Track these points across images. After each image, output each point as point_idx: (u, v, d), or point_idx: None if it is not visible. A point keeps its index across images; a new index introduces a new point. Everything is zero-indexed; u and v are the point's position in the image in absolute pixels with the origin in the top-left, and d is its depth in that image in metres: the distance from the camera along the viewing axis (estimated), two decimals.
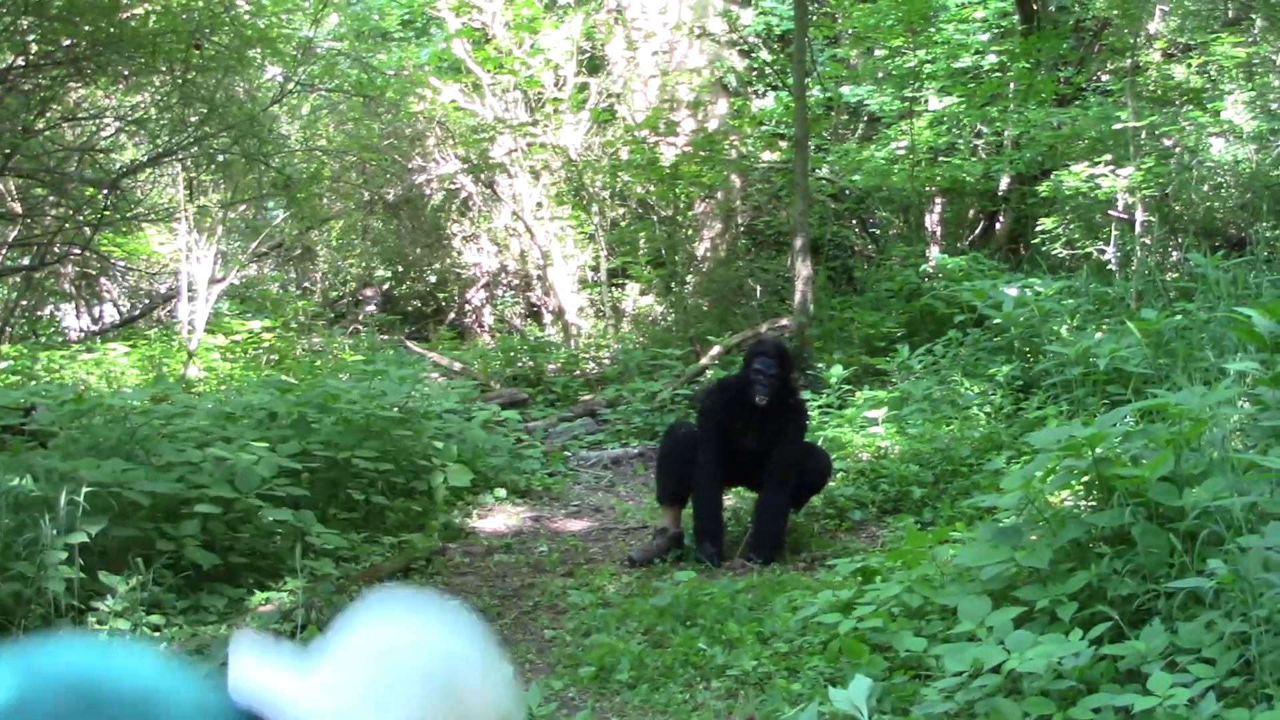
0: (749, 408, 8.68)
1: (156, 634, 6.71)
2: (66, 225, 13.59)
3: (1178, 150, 16.42)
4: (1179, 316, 10.35)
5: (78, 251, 14.71)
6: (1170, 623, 5.38)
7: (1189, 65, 17.34)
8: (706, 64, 18.57)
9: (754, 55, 19.28)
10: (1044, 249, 16.73)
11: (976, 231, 17.87)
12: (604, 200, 18.80)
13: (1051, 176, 15.88)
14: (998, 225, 17.62)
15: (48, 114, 12.29)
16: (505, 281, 20.63)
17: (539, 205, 18.50)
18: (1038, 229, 17.18)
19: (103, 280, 18.26)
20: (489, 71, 17.84)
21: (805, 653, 6.58)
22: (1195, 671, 4.99)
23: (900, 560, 7.15)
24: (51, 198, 13.53)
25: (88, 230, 13.95)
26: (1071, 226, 16.91)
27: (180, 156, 13.92)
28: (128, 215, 15.08)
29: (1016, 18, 16.60)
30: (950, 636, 5.96)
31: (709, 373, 14.71)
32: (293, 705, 1.84)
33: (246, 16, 12.79)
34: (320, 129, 18.55)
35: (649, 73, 18.57)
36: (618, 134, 18.45)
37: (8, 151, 11.06)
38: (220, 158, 14.12)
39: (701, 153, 17.80)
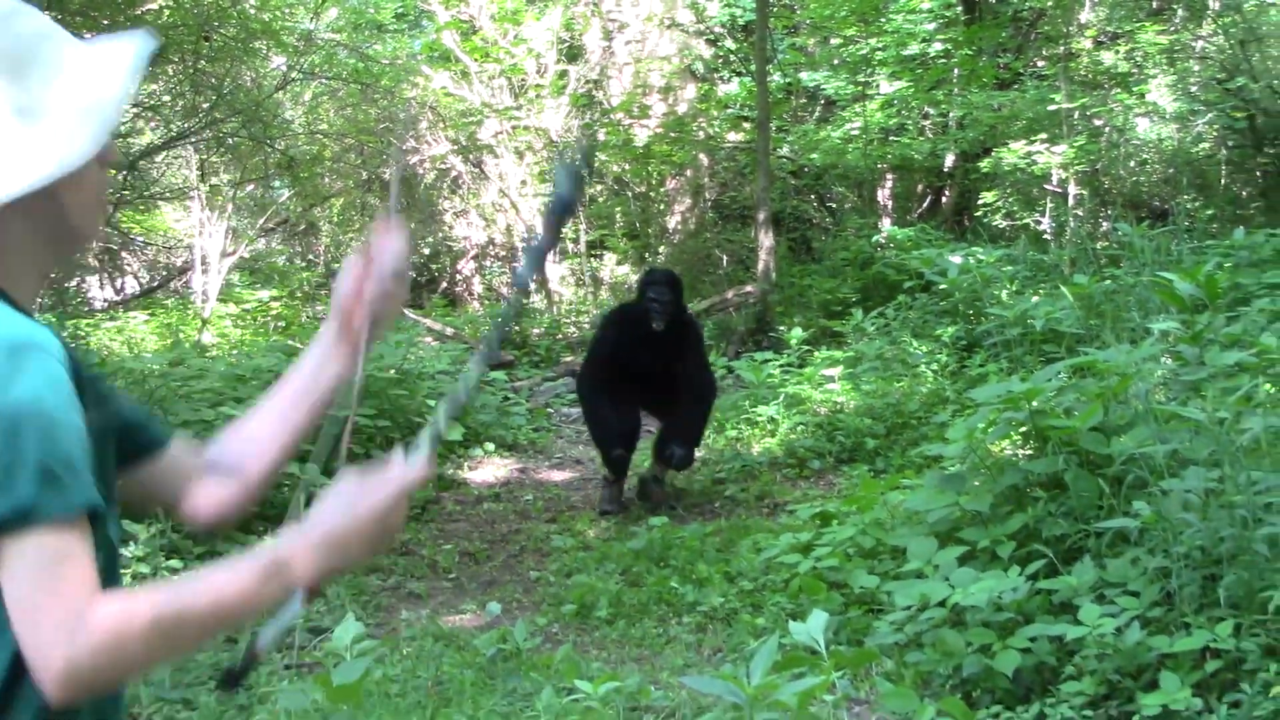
0: (646, 332, 8.66)
1: (175, 577, 6.70)
2: None
3: (1107, 129, 16.43)
4: (1108, 281, 10.37)
5: (101, 228, 14.68)
6: (1099, 560, 5.42)
7: (1117, 52, 17.35)
8: (676, 52, 18.52)
9: (720, 44, 19.22)
10: (985, 220, 16.72)
11: (924, 205, 17.87)
12: (586, 178, 18.71)
13: (992, 154, 15.87)
14: (943, 199, 17.61)
15: None
16: (493, 253, 20.55)
17: (523, 183, 18.44)
18: (980, 202, 17.20)
19: (124, 254, 18.19)
20: (476, 60, 17.78)
21: (768, 590, 6.62)
22: (1122, 604, 5.02)
23: (855, 505, 7.18)
24: None
25: (109, 208, 13.89)
26: (1010, 200, 16.92)
27: (192, 140, 13.86)
28: (145, 194, 15.04)
29: (960, 9, 16.58)
30: (900, 574, 6.00)
31: None
32: None
33: (252, 10, 12.74)
34: (321, 114, 18.46)
35: (623, 60, 18.52)
36: (595, 117, 18.43)
37: None
38: (229, 141, 14.06)
39: (672, 134, 17.81)
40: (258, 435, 2.18)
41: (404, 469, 1.89)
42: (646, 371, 8.81)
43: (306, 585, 1.80)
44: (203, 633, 1.74)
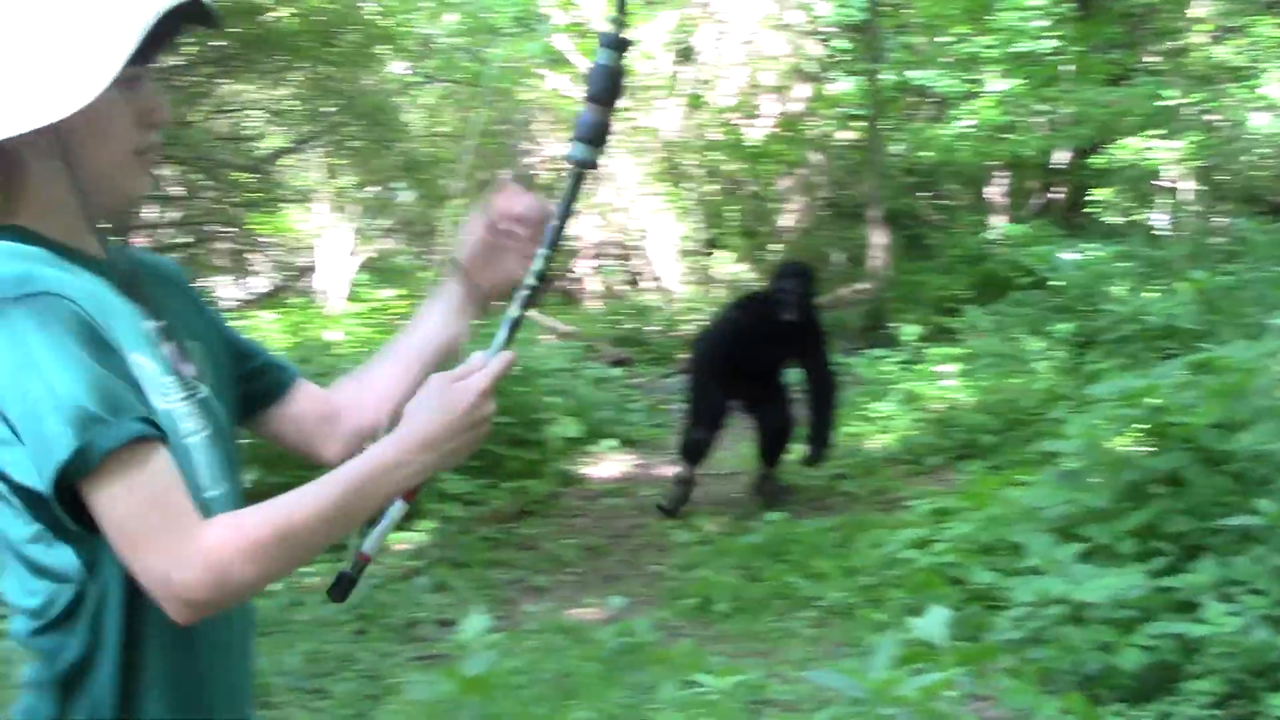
0: (773, 323, 8.51)
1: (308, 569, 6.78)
2: (220, 206, 13.74)
3: (1221, 125, 16.16)
4: (1225, 277, 10.24)
5: (230, 230, 14.89)
6: (1222, 558, 5.34)
7: (1231, 46, 17.08)
8: (788, 52, 18.48)
9: (830, 43, 19.13)
10: (1098, 217, 16.55)
11: (1036, 202, 17.70)
12: (697, 178, 18.79)
13: (1104, 150, 15.70)
14: (1056, 196, 17.43)
15: (202, 107, 12.42)
16: (609, 252, 20.63)
17: (638, 183, 18.50)
18: (1092, 198, 17.02)
19: (252, 255, 18.45)
20: (590, 62, 17.85)
21: (887, 585, 6.59)
22: (1246, 602, 4.96)
23: (972, 501, 7.13)
24: (206, 182, 13.68)
25: (238, 210, 14.11)
26: (1124, 196, 16.71)
27: (318, 144, 14.03)
28: (273, 196, 15.23)
29: (1072, 4, 16.39)
30: (1019, 570, 5.94)
31: None
32: None
33: (373, 17, 12.86)
34: (440, 116, 18.62)
35: (735, 61, 18.50)
36: (707, 117, 18.43)
37: (168, 141, 11.22)
38: (353, 144, 14.21)
39: (784, 133, 17.76)
40: (378, 384, 2.21)
41: (487, 363, 1.89)
42: (759, 365, 8.75)
43: (407, 489, 1.83)
44: (312, 545, 1.77)
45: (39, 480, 1.64)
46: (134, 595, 1.73)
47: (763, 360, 8.71)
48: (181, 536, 1.67)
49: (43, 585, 1.75)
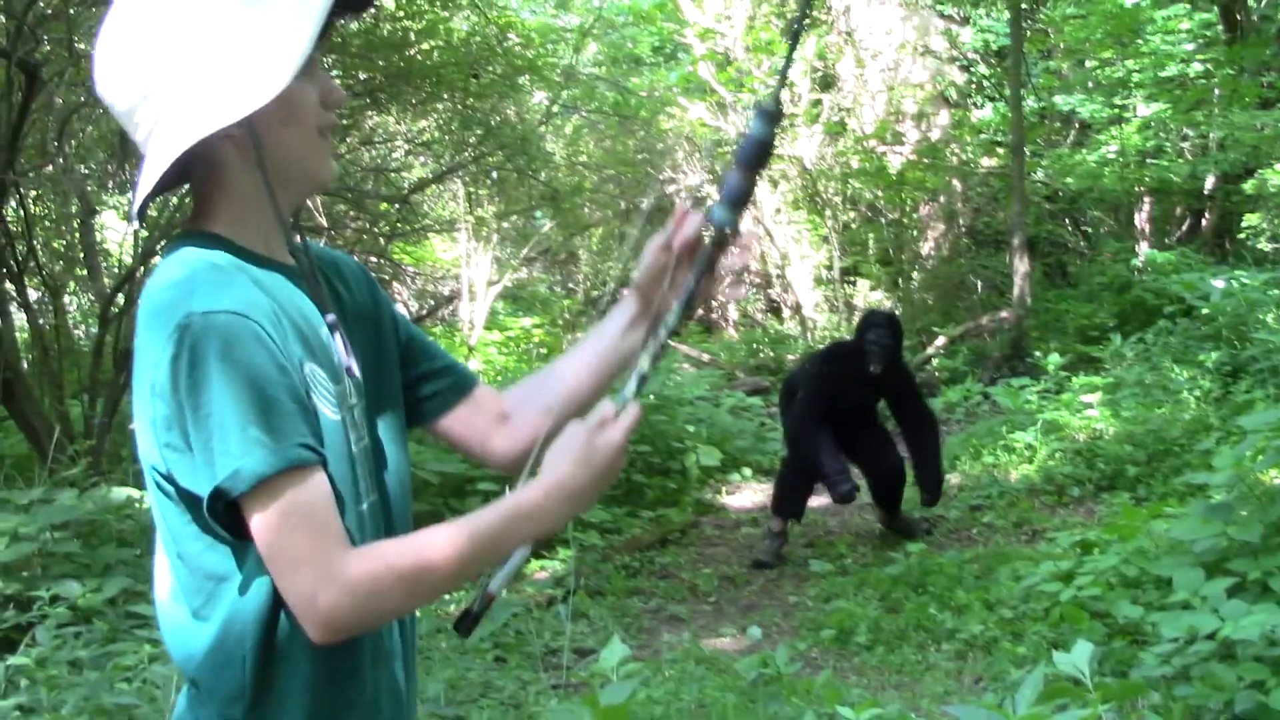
0: (860, 374, 8.48)
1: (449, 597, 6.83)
2: (364, 236, 13.95)
3: None
4: None
5: (374, 259, 15.12)
6: None
7: None
8: (929, 78, 18.44)
9: (973, 70, 19.05)
10: (1249, 243, 16.25)
11: (1184, 228, 17.46)
12: (836, 205, 18.80)
13: (1256, 175, 15.43)
14: (1204, 222, 17.17)
15: (348, 139, 12.62)
16: (748, 281, 20.68)
17: (777, 210, 18.54)
18: (1243, 225, 16.72)
19: (395, 284, 18.74)
20: (731, 91, 17.92)
21: (1029, 619, 6.53)
22: None
23: (1117, 534, 7.02)
24: (351, 212, 13.89)
25: (382, 240, 14.31)
26: (1276, 222, 16.40)
27: (460, 174, 14.20)
28: (416, 226, 15.45)
29: (1221, 28, 16.15)
30: (1166, 605, 5.84)
31: (934, 361, 14.59)
32: None
33: (517, 48, 12.99)
34: (581, 146, 18.78)
35: (876, 88, 18.50)
36: (848, 144, 18.43)
37: None
38: (495, 174, 14.38)
39: (925, 160, 17.70)
40: (555, 386, 2.25)
41: (620, 415, 1.93)
42: (852, 413, 8.69)
43: (541, 536, 1.91)
44: (446, 582, 1.83)
45: (201, 490, 1.71)
46: (278, 605, 1.80)
47: (854, 409, 8.67)
48: (329, 562, 1.74)
49: (203, 585, 1.81)
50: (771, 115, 2.06)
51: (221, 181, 1.88)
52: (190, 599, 1.82)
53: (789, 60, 2.30)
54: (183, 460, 1.73)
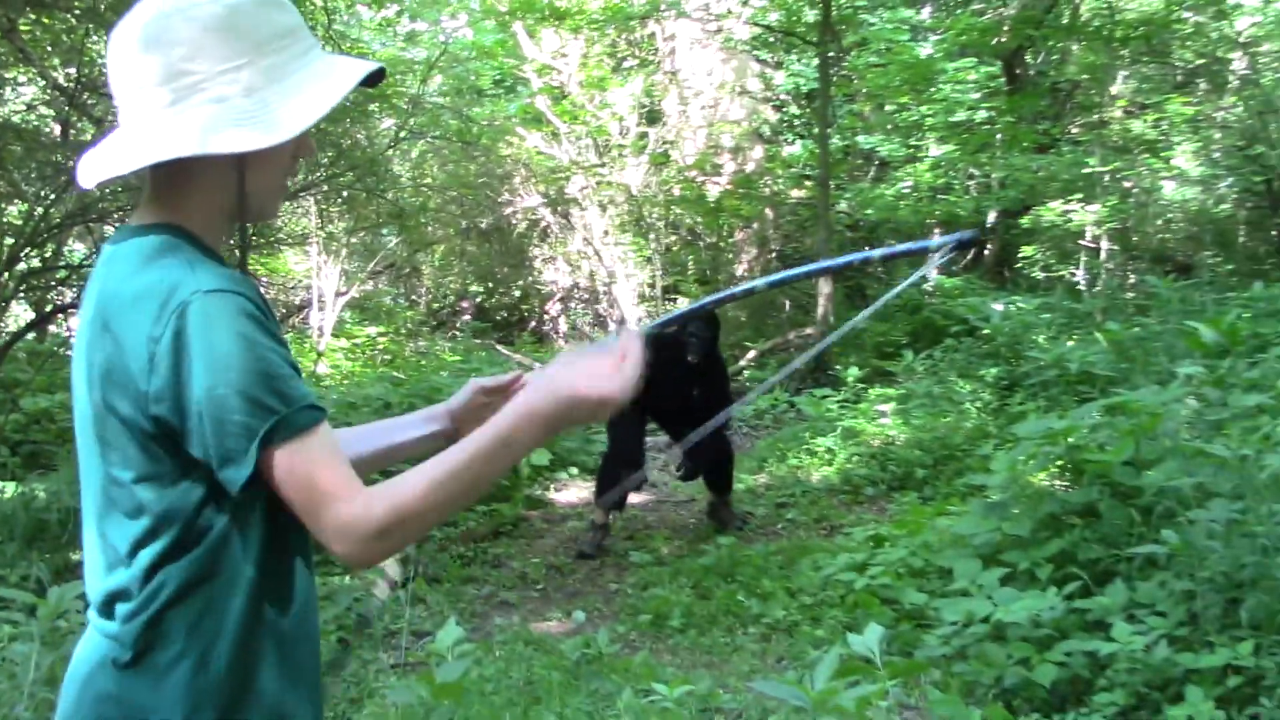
0: (680, 364, 8.45)
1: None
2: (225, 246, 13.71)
3: (1136, 191, 16.33)
4: (1137, 329, 10.33)
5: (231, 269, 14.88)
6: (1130, 582, 5.38)
7: (1145, 120, 17.26)
8: (745, 116, 18.59)
9: (785, 109, 19.28)
10: (1025, 272, 16.67)
11: (968, 257, 17.82)
12: (659, 229, 18.85)
13: (1031, 212, 15.83)
14: (986, 252, 17.55)
15: None
16: (578, 296, 20.68)
17: (606, 233, 18.55)
18: (1019, 255, 17.14)
19: None
20: (565, 122, 17.92)
21: (826, 605, 6.61)
22: (1150, 623, 5.00)
23: (905, 529, 7.16)
24: None
25: (238, 252, 14.06)
26: (1048, 254, 16.84)
27: (313, 192, 14.02)
28: (271, 240, 15.20)
29: (1003, 80, 16.55)
30: (947, 592, 5.98)
31: (745, 372, 14.72)
32: None
33: None
34: (426, 169, 18.65)
35: (697, 123, 18.60)
36: (671, 174, 18.51)
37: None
38: (345, 193, 14.21)
39: (741, 190, 17.85)
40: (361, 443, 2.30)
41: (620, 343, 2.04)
42: (676, 402, 8.71)
43: (547, 436, 1.95)
44: (474, 483, 1.86)
45: (207, 453, 1.74)
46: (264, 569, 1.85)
47: (676, 397, 8.67)
48: (352, 495, 1.77)
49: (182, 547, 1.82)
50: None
51: (199, 187, 1.90)
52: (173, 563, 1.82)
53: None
54: (183, 423, 1.74)
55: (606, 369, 1.97)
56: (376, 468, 2.28)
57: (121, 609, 1.83)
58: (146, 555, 1.81)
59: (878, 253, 2.51)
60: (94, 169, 1.85)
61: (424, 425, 2.32)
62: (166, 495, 1.80)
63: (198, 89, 1.82)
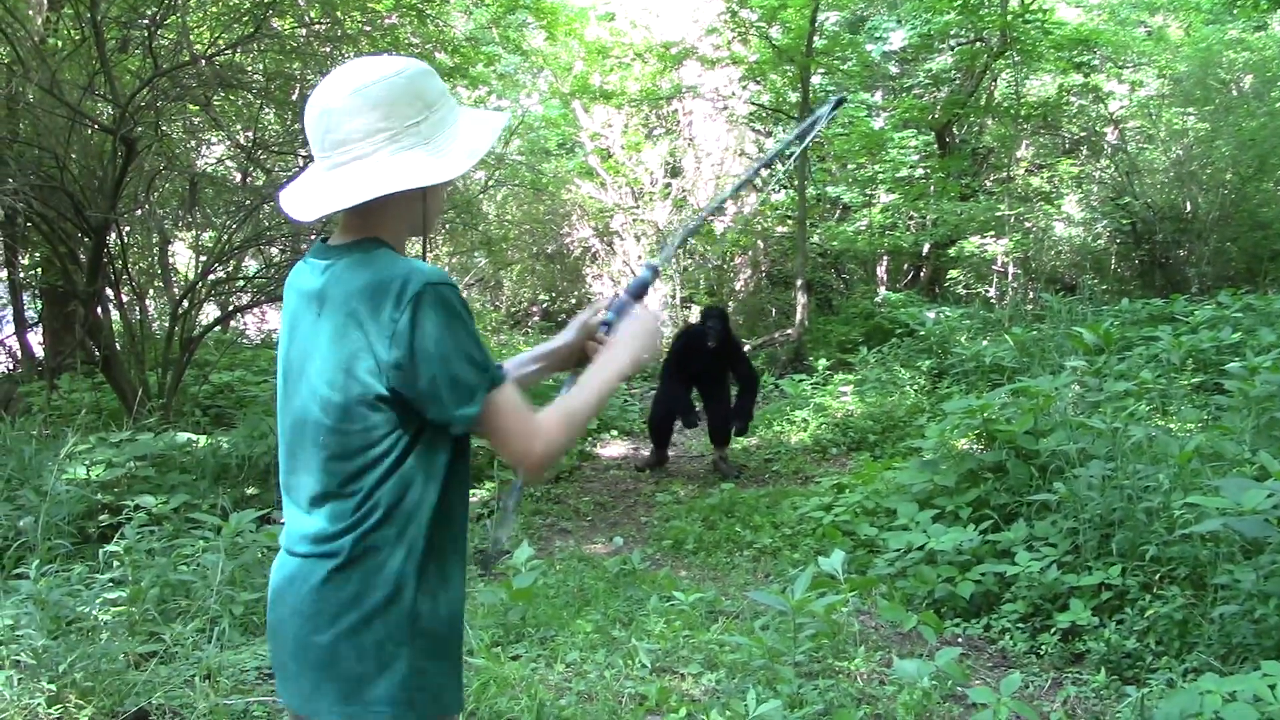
0: (703, 349, 8.69)
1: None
2: None
3: (1034, 230, 16.23)
4: (1035, 332, 10.27)
5: None
6: (1029, 522, 5.37)
7: (1042, 177, 17.19)
8: (744, 171, 18.55)
9: (773, 167, 19.21)
10: (951, 289, 16.60)
11: (909, 278, 17.76)
12: (679, 254, 18.84)
13: (956, 244, 15.75)
14: (922, 274, 17.48)
15: None
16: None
17: (639, 257, 18.53)
18: (948, 277, 17.07)
19: None
20: (610, 175, 17.90)
21: (802, 535, 6.60)
22: (1044, 552, 4.99)
23: (861, 480, 7.15)
24: None
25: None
26: (968, 275, 16.76)
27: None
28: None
29: (936, 146, 16.48)
30: (892, 527, 5.97)
31: None
32: None
33: None
34: (507, 209, 18.67)
35: (708, 177, 18.55)
36: (688, 214, 18.49)
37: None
38: (447, 225, 14.24)
39: (739, 226, 17.81)
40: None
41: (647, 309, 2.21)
42: (702, 373, 8.89)
43: (625, 373, 2.07)
44: (588, 418, 1.97)
45: (440, 406, 1.79)
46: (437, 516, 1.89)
47: (703, 370, 8.86)
48: (530, 425, 1.85)
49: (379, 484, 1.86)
50: (654, 270, 2.31)
51: (394, 211, 1.91)
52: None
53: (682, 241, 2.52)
54: (423, 383, 1.77)
55: (650, 332, 2.15)
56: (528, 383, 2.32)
57: (338, 526, 1.86)
58: (364, 484, 1.84)
59: (793, 134, 2.53)
60: (310, 204, 1.86)
61: (530, 365, 2.30)
62: (382, 442, 1.83)
63: (394, 140, 1.84)
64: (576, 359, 2.27)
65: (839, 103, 2.43)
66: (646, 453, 9.45)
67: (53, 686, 3.74)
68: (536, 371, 2.27)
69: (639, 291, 2.27)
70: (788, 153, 2.58)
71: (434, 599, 1.87)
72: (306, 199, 1.87)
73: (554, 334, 2.35)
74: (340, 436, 1.83)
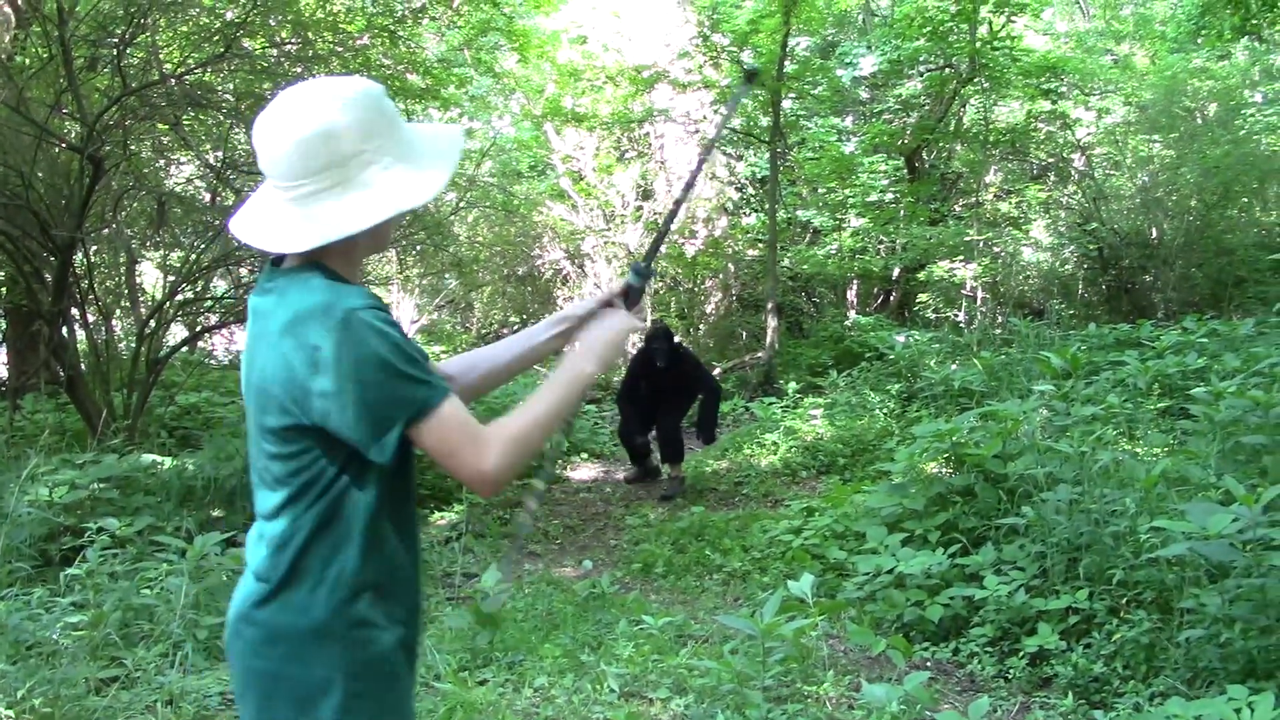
0: (653, 368, 8.87)
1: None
2: None
3: (1002, 254, 16.35)
4: (1003, 356, 10.33)
5: None
6: (997, 545, 5.39)
7: (1010, 203, 17.33)
8: (715, 195, 18.60)
9: (744, 190, 19.28)
10: (921, 313, 16.68)
11: (879, 301, 17.85)
12: (650, 278, 18.83)
13: (925, 269, 15.85)
14: (892, 298, 17.57)
15: None
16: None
17: (610, 280, 18.54)
18: (917, 301, 17.15)
19: None
20: (582, 197, 17.92)
21: (771, 559, 6.60)
22: (1012, 575, 5.01)
23: (830, 503, 7.16)
24: None
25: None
26: (937, 300, 16.85)
27: (395, 246, 14.02)
28: (364, 280, 15.20)
29: (905, 171, 16.60)
30: (861, 550, 5.97)
31: None
32: None
33: None
34: (479, 230, 18.64)
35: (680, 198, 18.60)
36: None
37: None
38: (419, 247, 14.20)
39: (710, 250, 17.86)
40: (494, 358, 2.31)
41: (621, 311, 2.20)
42: (657, 392, 9.00)
43: (588, 377, 2.03)
44: (552, 425, 1.92)
45: (359, 434, 1.76)
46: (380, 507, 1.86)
47: (657, 389, 9.01)
48: (478, 441, 1.81)
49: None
50: (641, 273, 2.29)
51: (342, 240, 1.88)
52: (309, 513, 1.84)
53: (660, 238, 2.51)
54: (341, 413, 1.74)
55: (617, 334, 2.14)
56: (526, 365, 2.31)
57: (270, 552, 1.86)
58: (294, 510, 1.84)
59: (721, 117, 2.62)
60: (270, 238, 1.85)
61: (554, 328, 2.29)
62: (309, 469, 1.82)
63: (342, 177, 1.84)
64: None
65: (751, 75, 2.49)
66: (621, 475, 9.63)
67: (11, 712, 3.68)
68: (559, 335, 2.27)
69: (644, 273, 2.28)
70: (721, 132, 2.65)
71: (371, 626, 1.86)
72: (266, 229, 1.86)
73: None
74: (274, 462, 1.84)
